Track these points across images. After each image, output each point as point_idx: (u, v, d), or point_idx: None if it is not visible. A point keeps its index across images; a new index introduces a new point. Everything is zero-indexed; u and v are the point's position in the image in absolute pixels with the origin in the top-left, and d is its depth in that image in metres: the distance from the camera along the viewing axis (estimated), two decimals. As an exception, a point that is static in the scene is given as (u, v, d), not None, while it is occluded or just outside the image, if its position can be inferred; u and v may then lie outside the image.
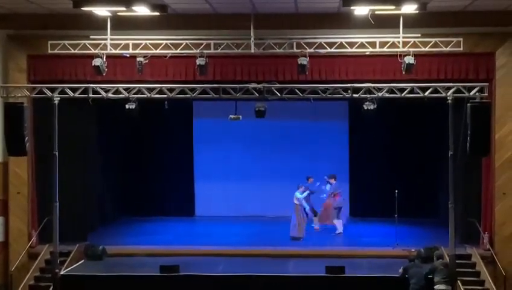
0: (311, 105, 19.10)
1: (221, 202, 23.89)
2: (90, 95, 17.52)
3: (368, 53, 18.04)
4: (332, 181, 21.03)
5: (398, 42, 17.41)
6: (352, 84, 17.39)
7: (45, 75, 18.99)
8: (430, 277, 16.22)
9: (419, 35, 17.60)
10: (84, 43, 18.00)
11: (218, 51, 17.98)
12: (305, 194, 20.33)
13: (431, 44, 17.74)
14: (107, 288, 16.95)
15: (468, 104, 16.28)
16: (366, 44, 17.77)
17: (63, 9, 17.68)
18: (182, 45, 18.00)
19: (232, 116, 18.42)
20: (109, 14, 16.75)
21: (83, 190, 20.31)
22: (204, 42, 17.95)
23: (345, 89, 17.33)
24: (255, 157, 23.89)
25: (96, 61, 17.53)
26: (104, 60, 17.69)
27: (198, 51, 17.93)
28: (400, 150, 23.38)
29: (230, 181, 23.95)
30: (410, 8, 15.39)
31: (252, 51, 17.78)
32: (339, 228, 20.87)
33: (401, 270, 16.49)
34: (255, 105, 17.82)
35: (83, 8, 15.33)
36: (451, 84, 17.14)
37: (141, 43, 18.04)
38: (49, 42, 18.21)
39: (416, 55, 17.44)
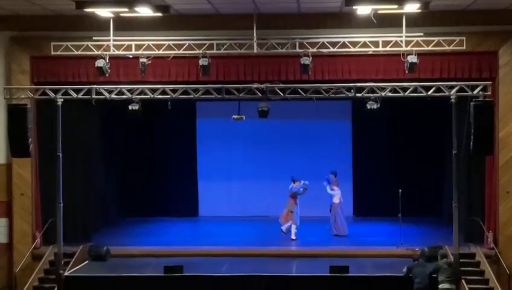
0: (314, 105, 19.04)
1: (224, 202, 23.90)
2: (93, 96, 17.52)
3: (370, 52, 18.05)
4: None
5: (401, 41, 17.42)
6: (355, 84, 17.39)
7: (48, 76, 19.01)
8: (434, 276, 16.22)
9: (422, 34, 17.62)
10: (87, 44, 18.04)
11: (221, 51, 18.00)
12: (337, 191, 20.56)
13: (434, 43, 17.74)
14: (111, 289, 16.96)
15: (472, 103, 16.28)
16: (368, 43, 17.78)
17: (66, 10, 17.71)
18: (185, 46, 18.03)
19: (235, 116, 18.45)
20: (112, 15, 16.77)
21: (87, 191, 20.35)
22: (207, 43, 17.98)
23: (348, 89, 17.33)
24: (258, 158, 23.88)
25: (99, 62, 17.55)
26: (107, 61, 17.72)
27: (201, 51, 17.95)
28: (403, 149, 23.35)
29: (234, 181, 23.98)
30: (412, 7, 15.39)
31: (255, 51, 17.80)
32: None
33: (405, 269, 16.49)
34: (258, 105, 17.82)
35: (85, 10, 15.37)
36: (454, 83, 17.15)
37: (144, 44, 18.07)
38: (52, 44, 18.24)
39: (419, 54, 17.46)
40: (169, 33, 18.28)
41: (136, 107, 17.91)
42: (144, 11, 15.71)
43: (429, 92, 17.11)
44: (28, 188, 19.31)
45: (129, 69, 18.72)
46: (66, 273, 17.25)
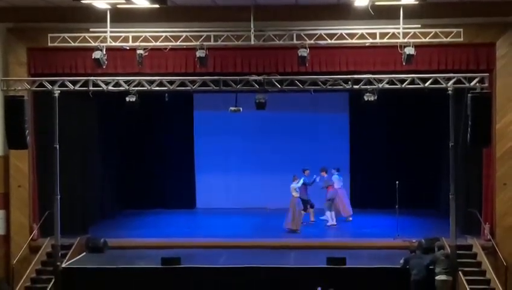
0: (311, 97, 19.11)
1: (222, 194, 23.92)
2: (91, 88, 17.51)
3: (368, 44, 18.06)
4: (324, 174, 21.04)
5: (398, 33, 17.41)
6: (353, 76, 17.39)
7: (45, 68, 18.98)
8: (431, 268, 16.25)
9: (420, 26, 17.61)
10: (84, 36, 18.03)
11: (218, 43, 17.99)
12: (300, 183, 20.32)
13: (431, 35, 17.74)
14: (108, 280, 16.97)
15: (469, 95, 16.26)
16: (366, 35, 17.79)
17: (63, 2, 17.68)
18: (182, 37, 18.01)
19: (232, 108, 18.40)
20: (109, 6, 16.73)
21: (84, 183, 20.34)
22: (204, 34, 17.96)
23: (345, 81, 17.33)
24: (255, 149, 23.88)
25: (96, 54, 17.55)
26: (104, 52, 17.71)
27: (198, 43, 17.94)
28: (401, 141, 23.37)
29: (231, 173, 23.98)
30: (410, -1, 15.39)
31: (252, 42, 17.79)
32: (330, 220, 20.91)
33: (402, 261, 16.52)
34: (255, 97, 17.81)
35: (82, 1, 15.36)
36: (451, 74, 17.13)
37: (141, 36, 18.05)
38: (49, 35, 18.22)
39: (417, 46, 17.46)
40: (166, 25, 18.26)
41: (133, 99, 17.89)
42: (141, 3, 15.66)
43: (426, 84, 17.09)
44: (25, 180, 19.30)
45: (126, 61, 18.69)
46: (63, 265, 17.26)
